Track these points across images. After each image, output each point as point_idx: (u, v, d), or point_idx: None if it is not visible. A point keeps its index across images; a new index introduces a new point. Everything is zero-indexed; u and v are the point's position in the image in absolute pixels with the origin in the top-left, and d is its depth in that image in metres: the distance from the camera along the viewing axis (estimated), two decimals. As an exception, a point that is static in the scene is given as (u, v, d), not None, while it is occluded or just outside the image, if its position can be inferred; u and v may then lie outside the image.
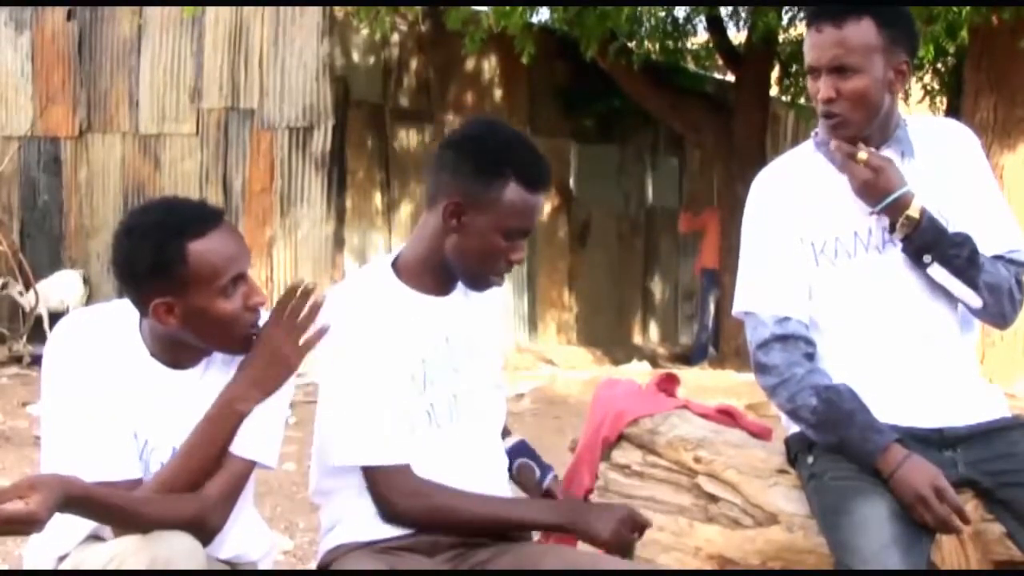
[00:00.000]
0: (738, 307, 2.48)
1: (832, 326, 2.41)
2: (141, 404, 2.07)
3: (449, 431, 2.24)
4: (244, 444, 2.07)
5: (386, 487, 2.16)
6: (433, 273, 2.25)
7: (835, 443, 2.30)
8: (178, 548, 1.90)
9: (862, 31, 2.30)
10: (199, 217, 2.02)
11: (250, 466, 2.08)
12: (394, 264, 2.28)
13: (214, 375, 2.11)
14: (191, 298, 1.99)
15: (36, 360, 8.91)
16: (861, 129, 2.36)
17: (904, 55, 2.35)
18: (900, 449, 2.23)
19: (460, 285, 2.29)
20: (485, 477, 2.28)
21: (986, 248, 2.39)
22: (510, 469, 2.40)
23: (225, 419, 2.04)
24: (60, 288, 10.64)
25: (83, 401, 2.02)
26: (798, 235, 2.41)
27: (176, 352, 2.09)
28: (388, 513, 2.18)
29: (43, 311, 10.38)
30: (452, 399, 2.25)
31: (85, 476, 1.94)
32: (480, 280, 2.26)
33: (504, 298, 2.48)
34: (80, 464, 1.97)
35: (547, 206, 13.13)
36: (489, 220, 2.16)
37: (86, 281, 10.98)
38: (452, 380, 2.26)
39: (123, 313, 2.11)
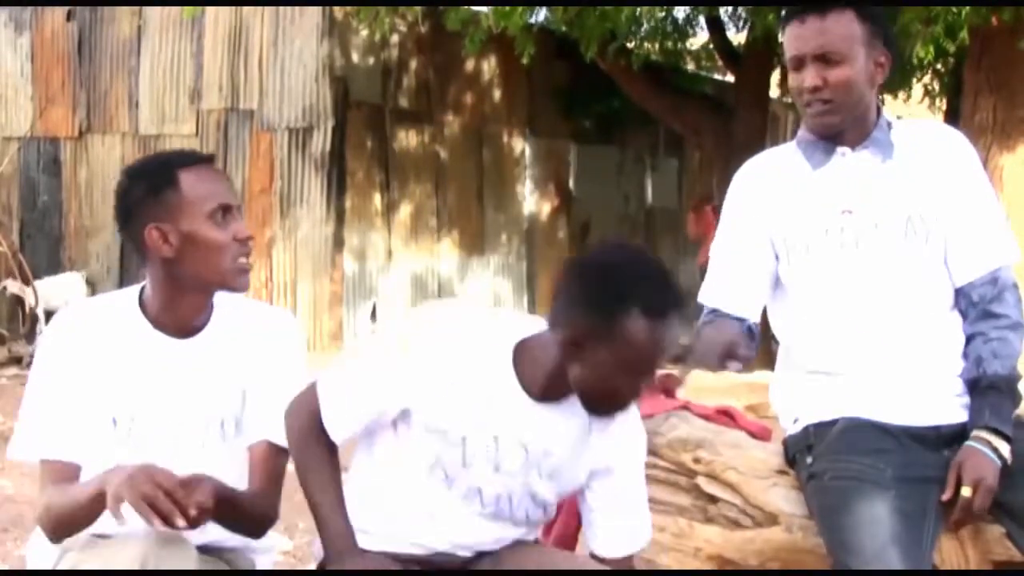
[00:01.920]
0: (700, 297, 2.58)
1: (815, 322, 2.42)
2: (147, 379, 2.12)
3: (460, 508, 2.16)
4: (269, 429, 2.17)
5: (302, 416, 2.17)
6: (544, 381, 2.08)
7: None
8: (169, 545, 1.91)
9: (845, 22, 2.34)
10: (190, 155, 2.16)
11: (279, 449, 2.19)
12: (519, 350, 2.10)
13: (218, 343, 2.17)
14: (183, 222, 2.08)
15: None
16: (844, 118, 2.39)
17: (883, 48, 2.39)
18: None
19: (574, 401, 2.09)
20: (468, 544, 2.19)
21: (976, 267, 2.41)
22: None
23: None
24: (62, 289, 10.62)
25: (65, 382, 2.10)
26: (766, 232, 2.45)
27: (177, 311, 2.15)
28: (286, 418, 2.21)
29: (40, 312, 10.37)
30: (475, 491, 2.14)
31: (45, 452, 2.08)
32: (602, 411, 2.09)
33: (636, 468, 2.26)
34: (44, 438, 2.09)
35: (546, 207, 13.15)
36: (610, 355, 1.97)
37: (88, 282, 10.98)
38: (485, 475, 2.13)
39: (124, 295, 2.19)
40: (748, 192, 2.51)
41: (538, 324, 2.14)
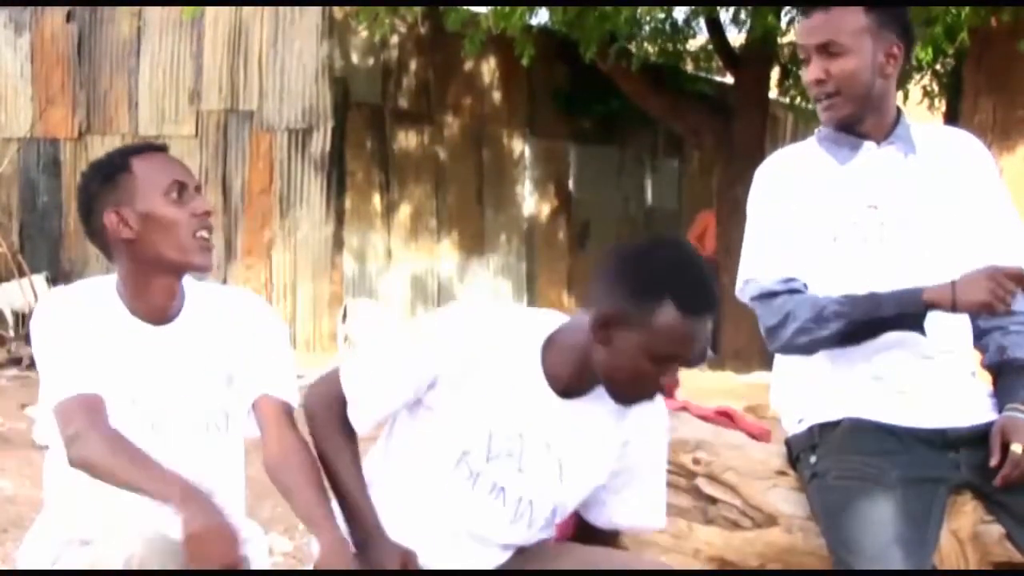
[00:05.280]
0: (742, 276, 2.46)
1: None
2: (125, 364, 2.13)
3: (485, 502, 2.14)
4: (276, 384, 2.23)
5: (325, 403, 2.19)
6: (570, 370, 2.10)
7: (871, 323, 2.29)
8: (154, 546, 1.92)
9: (850, 14, 2.35)
10: (143, 145, 2.26)
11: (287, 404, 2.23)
12: (547, 344, 2.12)
13: (196, 329, 2.19)
14: (139, 203, 2.13)
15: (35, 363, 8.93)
16: (853, 111, 2.38)
17: (895, 38, 2.37)
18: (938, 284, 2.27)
19: (598, 396, 2.11)
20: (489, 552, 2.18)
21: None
22: None
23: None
24: (27, 291, 10.57)
25: (74, 336, 2.11)
26: (801, 218, 2.42)
27: (148, 297, 2.16)
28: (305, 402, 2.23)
29: (8, 314, 10.50)
30: (499, 489, 2.13)
31: (69, 391, 2.06)
32: (624, 399, 2.09)
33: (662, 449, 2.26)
34: (70, 380, 2.07)
35: (546, 208, 13.15)
36: (639, 341, 1.99)
37: (49, 281, 10.94)
38: (509, 475, 2.13)
39: (103, 281, 2.21)
40: (777, 180, 2.47)
41: (567, 318, 2.17)
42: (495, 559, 2.19)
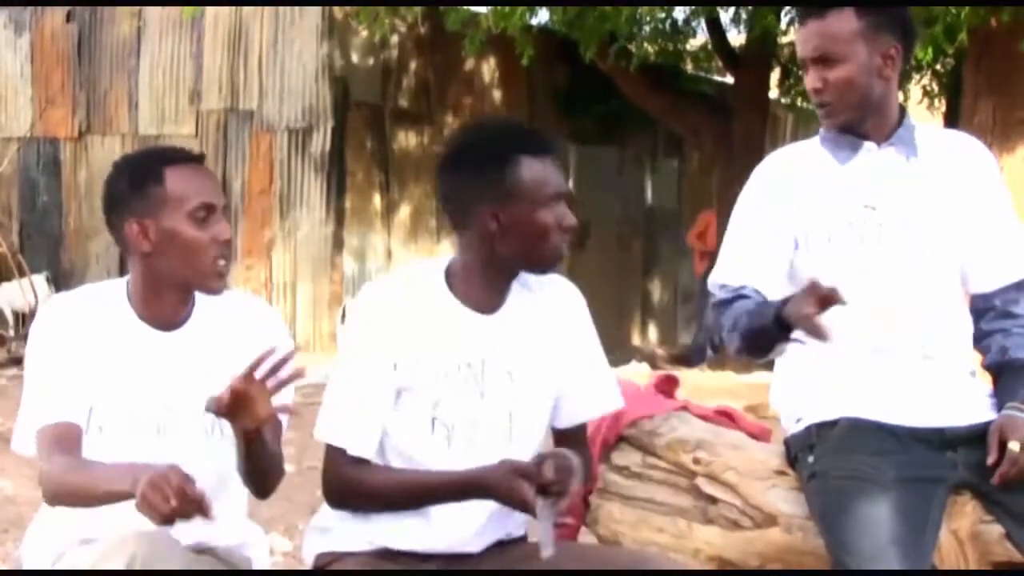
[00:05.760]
0: (711, 280, 2.50)
1: (827, 315, 2.42)
2: (130, 369, 2.13)
3: (465, 454, 2.17)
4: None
5: (332, 468, 2.17)
6: (479, 286, 2.19)
7: (756, 335, 2.31)
8: (158, 546, 1.92)
9: (843, 20, 2.35)
10: (180, 153, 2.20)
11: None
12: (447, 277, 2.21)
13: (202, 336, 2.19)
14: (163, 219, 2.11)
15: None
16: (853, 116, 2.39)
17: (892, 39, 2.38)
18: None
19: (514, 302, 2.22)
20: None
21: (1000, 277, 2.44)
22: None
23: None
24: (27, 291, 10.59)
25: (56, 363, 2.10)
26: (788, 221, 2.43)
27: (157, 306, 2.16)
28: (325, 491, 2.20)
29: (9, 314, 10.52)
30: (471, 426, 2.18)
31: (43, 420, 2.06)
32: (544, 263, 2.19)
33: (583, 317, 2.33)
34: (40, 411, 2.08)
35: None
36: (525, 207, 2.12)
37: (50, 282, 10.95)
38: (476, 406, 2.18)
39: (112, 285, 2.21)
40: (772, 181, 2.49)
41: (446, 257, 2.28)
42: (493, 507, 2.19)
